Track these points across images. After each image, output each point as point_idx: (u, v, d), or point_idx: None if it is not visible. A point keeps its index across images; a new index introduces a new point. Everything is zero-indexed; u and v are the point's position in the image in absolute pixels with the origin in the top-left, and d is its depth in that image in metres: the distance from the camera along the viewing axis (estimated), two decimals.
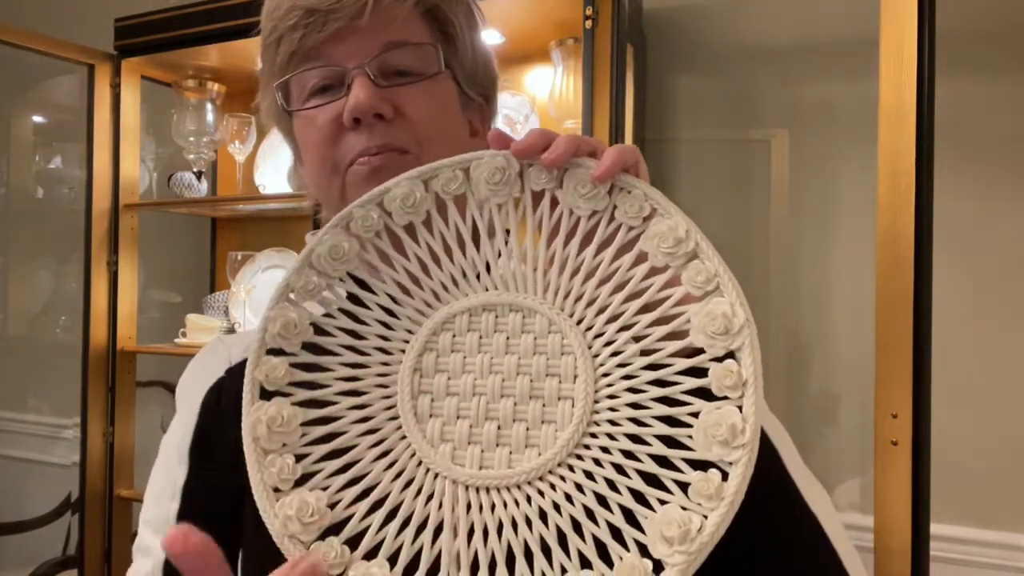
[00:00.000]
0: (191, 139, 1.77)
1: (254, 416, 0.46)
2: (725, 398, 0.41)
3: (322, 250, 0.49)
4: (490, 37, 1.52)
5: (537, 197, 0.48)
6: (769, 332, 1.47)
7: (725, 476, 0.40)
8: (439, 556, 0.43)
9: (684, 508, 0.40)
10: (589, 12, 1.28)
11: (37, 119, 2.47)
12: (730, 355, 0.42)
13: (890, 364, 0.99)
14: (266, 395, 0.47)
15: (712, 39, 1.54)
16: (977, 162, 1.32)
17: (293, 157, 0.69)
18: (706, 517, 0.39)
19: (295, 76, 0.60)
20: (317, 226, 0.72)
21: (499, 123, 1.55)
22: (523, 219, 0.48)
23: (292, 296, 0.49)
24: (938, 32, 0.98)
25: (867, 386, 1.03)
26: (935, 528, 1.01)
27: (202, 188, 1.80)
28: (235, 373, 0.62)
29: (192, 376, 0.65)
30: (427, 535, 0.43)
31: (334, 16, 0.56)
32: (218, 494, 0.59)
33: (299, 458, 0.46)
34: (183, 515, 0.60)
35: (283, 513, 0.44)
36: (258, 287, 1.69)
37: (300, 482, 0.45)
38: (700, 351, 0.42)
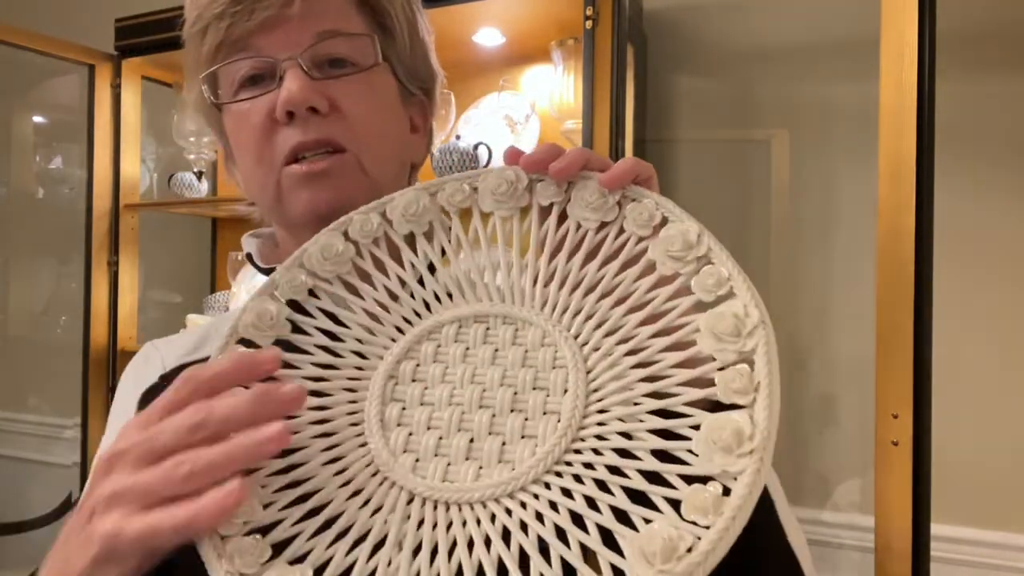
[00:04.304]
0: (191, 139, 1.77)
1: None
2: (734, 406, 0.35)
3: (314, 250, 0.47)
4: (490, 37, 1.52)
5: (544, 213, 0.46)
6: None
7: (727, 492, 0.33)
8: (374, 572, 0.37)
9: (675, 529, 0.33)
10: (589, 12, 1.27)
11: (37, 119, 2.47)
12: (744, 361, 0.37)
13: (890, 364, 0.99)
14: None
15: (712, 39, 1.54)
16: (978, 162, 1.32)
17: (225, 154, 0.65)
18: (699, 539, 0.32)
19: (223, 67, 0.56)
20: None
21: (495, 122, 1.55)
22: (527, 234, 0.46)
23: (276, 293, 0.47)
24: (938, 32, 0.98)
25: (867, 386, 1.03)
26: (935, 528, 1.01)
27: (202, 188, 1.80)
28: (168, 379, 0.58)
29: (127, 388, 0.62)
30: (365, 549, 0.37)
31: (262, 5, 0.53)
32: None
33: None
34: None
35: None
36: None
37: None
38: (707, 362, 0.37)
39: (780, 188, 1.48)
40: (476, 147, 1.44)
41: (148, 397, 0.59)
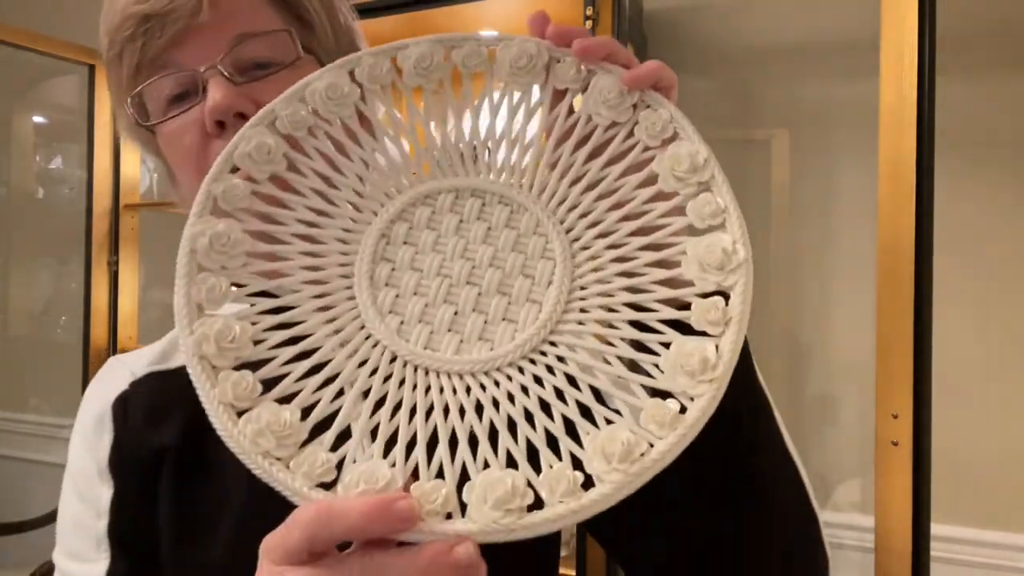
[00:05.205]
0: None
1: (198, 228, 0.42)
2: (704, 334, 0.38)
3: (319, 85, 0.45)
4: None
5: (557, 96, 0.45)
6: (769, 332, 1.47)
7: (683, 411, 0.36)
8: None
9: (633, 433, 0.36)
10: (589, 12, 1.28)
11: (37, 119, 2.47)
12: (721, 294, 0.38)
13: (890, 364, 0.99)
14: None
15: (712, 39, 1.54)
16: (978, 162, 1.32)
17: (168, 176, 0.63)
18: (652, 446, 0.35)
19: (146, 89, 0.55)
20: None
21: None
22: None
23: (276, 123, 0.44)
24: (938, 32, 0.99)
25: (867, 386, 1.03)
26: (935, 528, 1.01)
27: None
28: (140, 385, 0.59)
29: (94, 396, 0.61)
30: (349, 398, 0.38)
31: (171, 18, 0.52)
32: (142, 508, 0.55)
33: (234, 287, 0.41)
34: (114, 529, 0.56)
35: (200, 331, 0.38)
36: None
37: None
38: (687, 284, 0.39)
39: (780, 188, 1.48)
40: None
41: (122, 403, 0.58)
